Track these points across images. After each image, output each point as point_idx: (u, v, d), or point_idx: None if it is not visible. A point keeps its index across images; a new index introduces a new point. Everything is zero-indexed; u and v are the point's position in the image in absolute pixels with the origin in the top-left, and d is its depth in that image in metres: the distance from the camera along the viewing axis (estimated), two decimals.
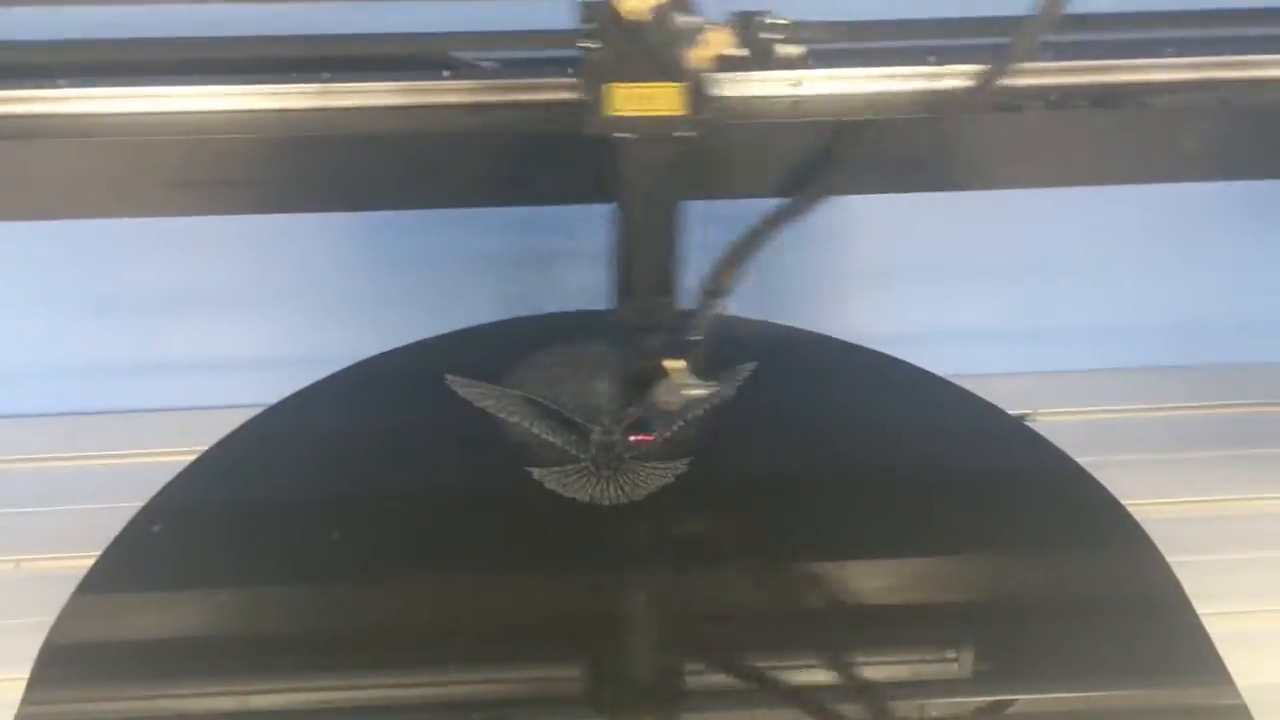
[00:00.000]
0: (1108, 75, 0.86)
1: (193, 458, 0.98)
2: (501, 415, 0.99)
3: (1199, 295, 1.38)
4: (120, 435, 1.28)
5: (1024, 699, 0.82)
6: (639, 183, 0.80)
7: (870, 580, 0.88)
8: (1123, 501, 0.93)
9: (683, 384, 0.86)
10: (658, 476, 0.93)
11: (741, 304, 1.14)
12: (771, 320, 1.14)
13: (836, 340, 1.12)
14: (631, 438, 0.94)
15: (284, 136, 0.83)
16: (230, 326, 1.34)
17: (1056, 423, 1.21)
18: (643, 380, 0.87)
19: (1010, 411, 1.06)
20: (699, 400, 0.90)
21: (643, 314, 0.86)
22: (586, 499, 0.91)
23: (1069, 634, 0.83)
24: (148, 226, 1.24)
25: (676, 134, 0.77)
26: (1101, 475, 0.96)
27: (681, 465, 0.94)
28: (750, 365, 1.03)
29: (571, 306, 1.15)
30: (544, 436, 0.96)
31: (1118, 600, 0.87)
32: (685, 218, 0.84)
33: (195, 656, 0.82)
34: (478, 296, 1.30)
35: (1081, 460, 0.98)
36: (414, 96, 0.82)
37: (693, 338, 0.85)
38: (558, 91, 0.82)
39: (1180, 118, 0.87)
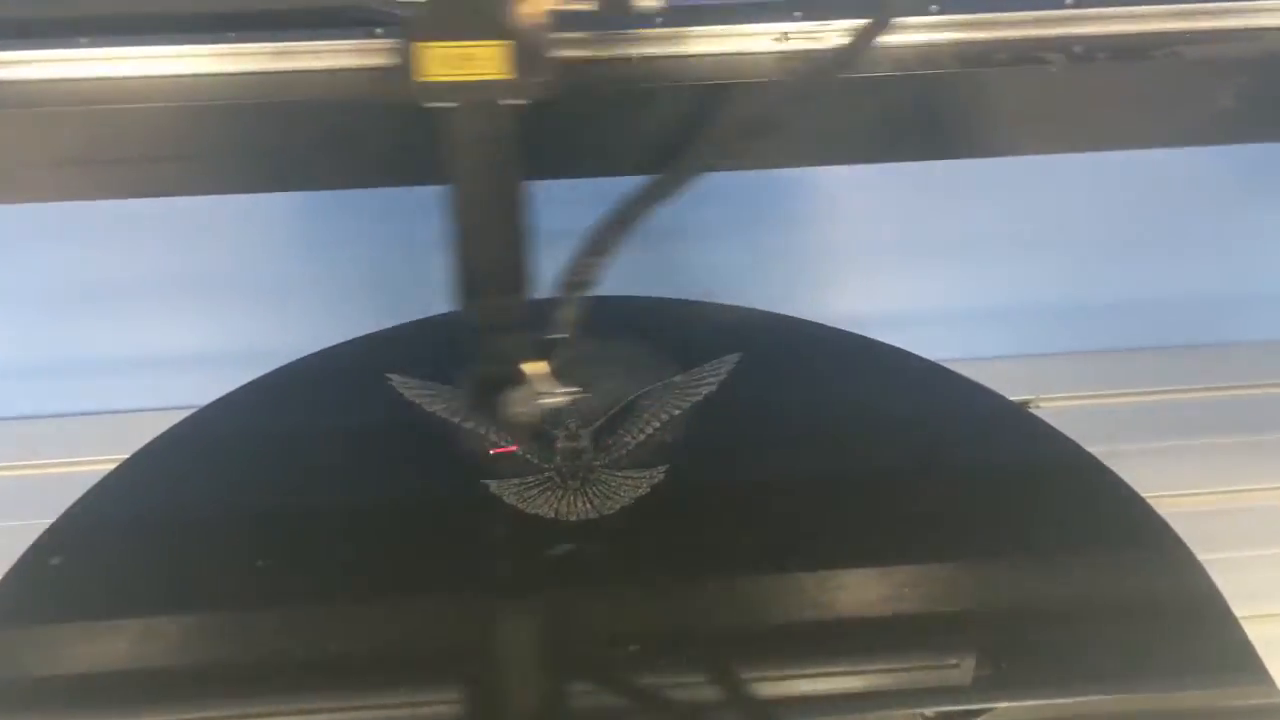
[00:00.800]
0: (1136, 24, 0.77)
1: (113, 466, 0.87)
2: (453, 419, 0.87)
3: (1207, 270, 1.29)
4: (31, 443, 1.16)
5: (1054, 704, 0.72)
6: (468, 161, 0.69)
7: (879, 591, 0.77)
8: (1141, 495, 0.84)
9: (539, 390, 0.75)
10: (631, 487, 0.82)
11: (715, 290, 1.05)
12: (750, 306, 1.04)
13: (824, 326, 1.01)
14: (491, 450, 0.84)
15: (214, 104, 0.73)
16: (157, 321, 1.22)
17: (1059, 409, 1.13)
18: (491, 387, 0.76)
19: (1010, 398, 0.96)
20: (556, 409, 0.78)
21: (489, 313, 0.75)
22: (551, 514, 0.80)
23: (1099, 638, 0.74)
24: (59, 212, 1.14)
25: (503, 101, 0.67)
26: (1114, 466, 0.86)
27: (658, 474, 0.83)
28: (732, 357, 0.93)
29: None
30: (501, 443, 0.85)
31: (1148, 601, 0.78)
32: (531, 201, 0.72)
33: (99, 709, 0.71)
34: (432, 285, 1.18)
35: (1090, 450, 0.88)
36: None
37: (555, 335, 0.74)
38: (372, 55, 0.72)
39: (1217, 71, 0.77)
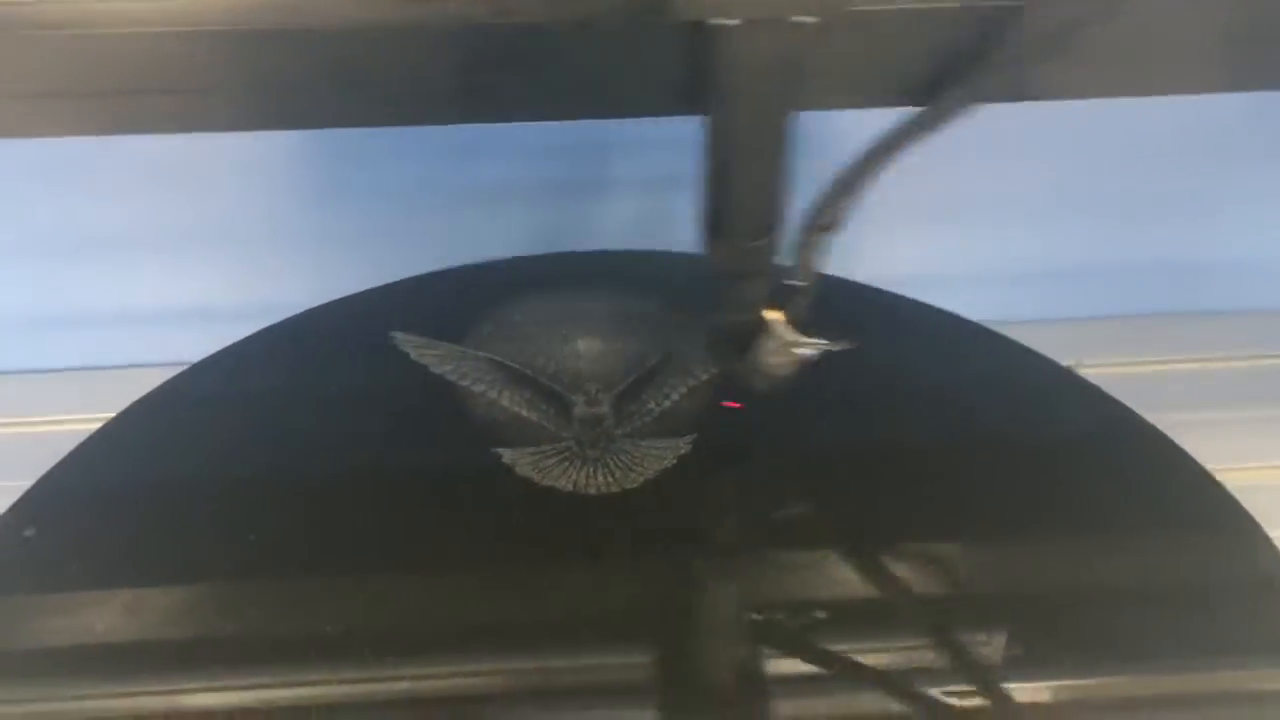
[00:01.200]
0: None
1: (97, 426, 0.81)
2: (463, 383, 0.81)
3: (1257, 231, 1.22)
4: (14, 400, 1.09)
5: (1125, 681, 0.66)
6: (741, 90, 0.60)
7: (931, 570, 0.70)
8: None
9: (790, 339, 0.68)
10: (655, 458, 0.76)
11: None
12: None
13: (862, 285, 0.94)
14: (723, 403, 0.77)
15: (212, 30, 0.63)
16: (148, 273, 1.15)
17: (1106, 376, 1.06)
18: (740, 337, 0.70)
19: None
20: (810, 359, 0.72)
21: (741, 257, 0.68)
22: (569, 487, 0.74)
23: (1173, 623, 0.68)
24: (41, 155, 1.07)
25: (795, 19, 0.58)
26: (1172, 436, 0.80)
27: (684, 444, 0.76)
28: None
29: (541, 249, 0.97)
30: (515, 409, 0.79)
31: (1223, 583, 0.71)
32: (795, 139, 0.65)
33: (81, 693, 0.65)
34: (457, 235, 1.11)
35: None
36: None
37: (795, 283, 0.67)
38: None
39: None
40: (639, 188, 1.12)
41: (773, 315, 0.69)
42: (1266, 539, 0.73)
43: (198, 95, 0.70)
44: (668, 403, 0.79)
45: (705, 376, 0.81)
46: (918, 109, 0.66)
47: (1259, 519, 0.74)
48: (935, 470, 0.77)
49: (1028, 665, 0.65)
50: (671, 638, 0.67)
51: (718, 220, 0.68)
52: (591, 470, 0.75)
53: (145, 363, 1.02)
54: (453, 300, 0.90)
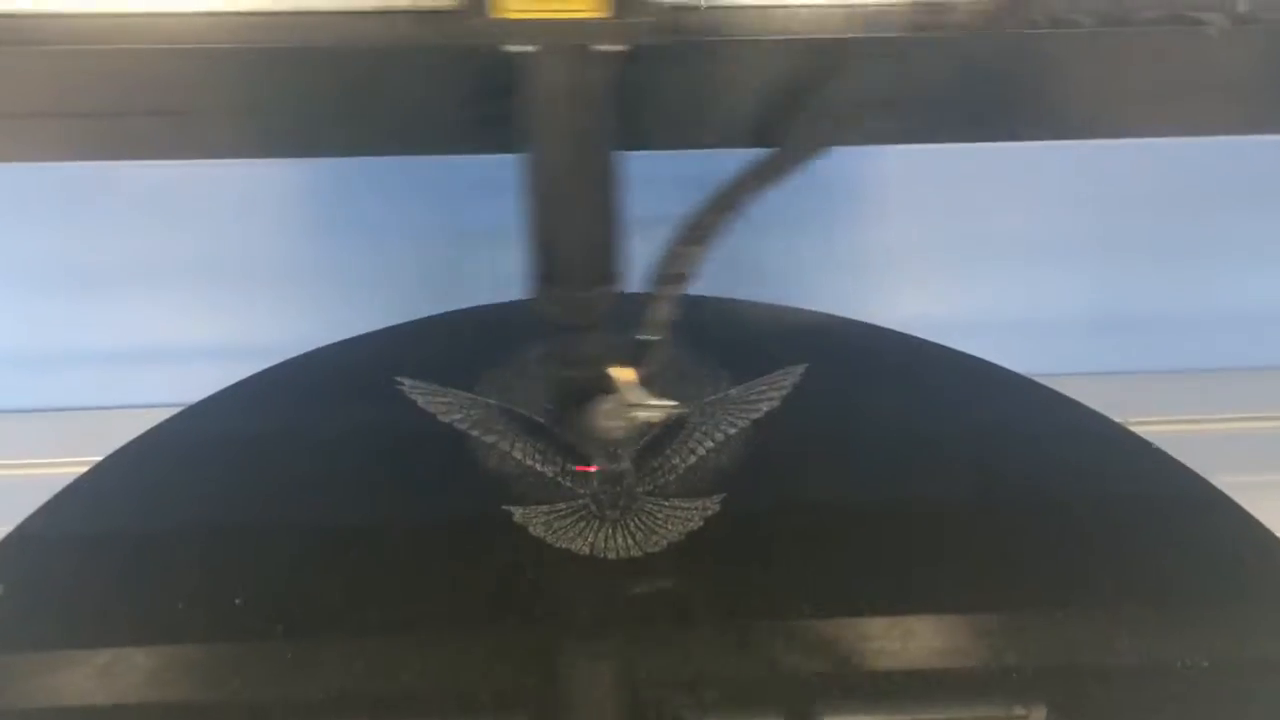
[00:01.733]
0: None
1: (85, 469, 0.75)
2: (473, 433, 0.75)
3: None
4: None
5: None
6: (550, 120, 0.57)
7: (984, 646, 0.63)
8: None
9: (630, 401, 0.63)
10: (681, 519, 0.69)
11: (759, 289, 0.92)
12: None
13: (899, 334, 0.88)
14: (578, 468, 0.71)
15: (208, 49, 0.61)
16: (139, 310, 1.10)
17: (1159, 434, 0.99)
18: (573, 396, 0.65)
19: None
20: (648, 423, 0.66)
21: (571, 307, 0.62)
22: (586, 550, 0.67)
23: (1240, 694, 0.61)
24: (27, 183, 1.02)
25: (596, 47, 0.54)
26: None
27: (712, 504, 0.70)
28: (798, 368, 0.80)
29: None
30: (528, 463, 0.73)
31: None
32: (624, 176, 0.60)
33: None
34: (467, 276, 1.06)
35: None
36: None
37: (645, 337, 0.62)
38: None
39: None
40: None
41: (621, 374, 0.63)
42: None
43: (193, 118, 0.65)
44: (693, 459, 0.73)
45: (734, 431, 0.75)
46: (758, 155, 0.62)
47: None
48: (978, 533, 0.71)
49: None
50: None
51: (543, 266, 0.63)
52: (610, 531, 0.69)
53: (134, 404, 0.97)
54: (463, 343, 0.84)
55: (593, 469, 0.70)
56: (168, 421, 0.80)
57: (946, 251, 1.13)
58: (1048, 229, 1.12)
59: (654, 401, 0.65)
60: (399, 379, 0.79)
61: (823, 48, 0.61)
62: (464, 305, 0.90)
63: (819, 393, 0.78)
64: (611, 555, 0.67)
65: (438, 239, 1.07)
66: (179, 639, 0.64)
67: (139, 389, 1.08)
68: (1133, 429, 0.88)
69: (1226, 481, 0.76)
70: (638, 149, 0.63)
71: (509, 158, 0.92)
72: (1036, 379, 0.86)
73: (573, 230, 0.62)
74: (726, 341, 0.81)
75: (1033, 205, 1.09)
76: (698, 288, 0.90)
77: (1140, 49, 0.65)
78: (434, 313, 0.89)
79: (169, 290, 1.10)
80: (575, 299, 0.64)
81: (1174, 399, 1.12)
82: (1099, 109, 0.69)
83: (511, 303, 0.89)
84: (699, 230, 0.61)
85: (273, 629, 0.64)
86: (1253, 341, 1.17)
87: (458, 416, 0.76)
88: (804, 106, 0.62)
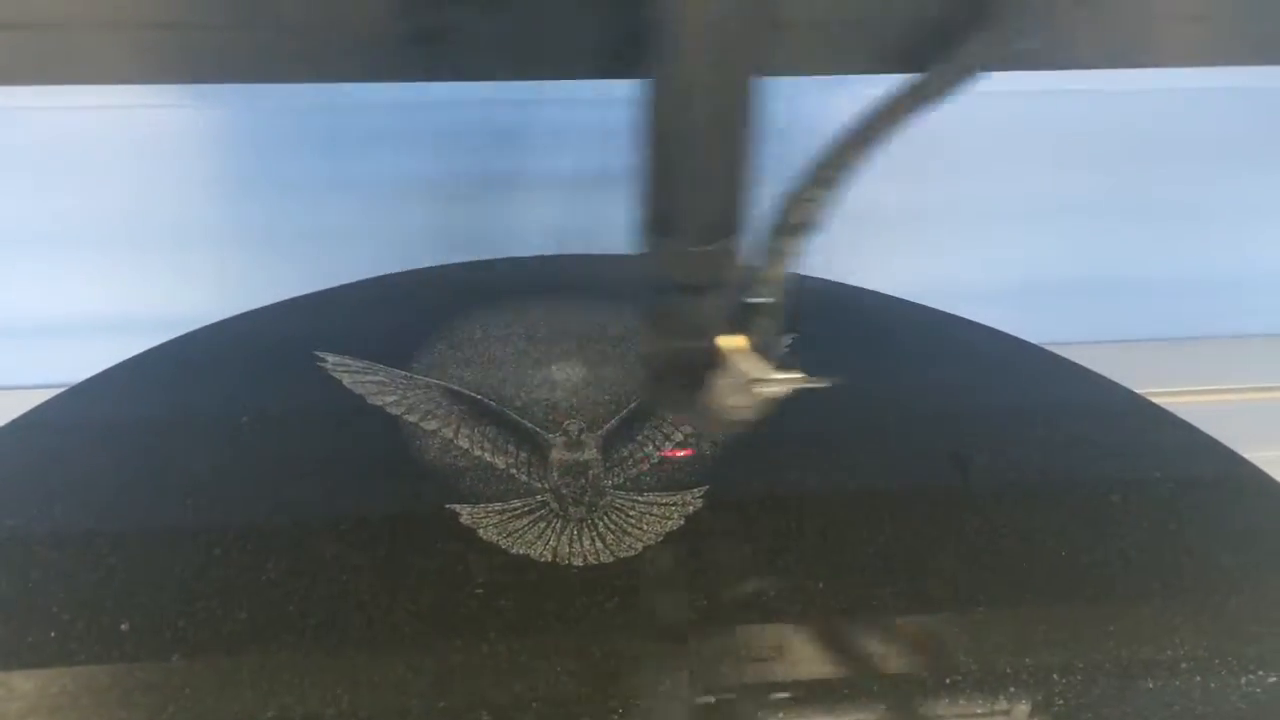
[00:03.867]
0: None
1: None
2: (409, 418, 0.64)
3: None
4: None
5: None
6: (697, 41, 0.46)
7: (1001, 655, 0.54)
8: None
9: (753, 373, 0.52)
10: (658, 518, 0.59)
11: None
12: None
13: (896, 299, 0.79)
14: (666, 453, 0.61)
15: None
16: (28, 278, 0.97)
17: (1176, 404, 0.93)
18: (689, 369, 0.53)
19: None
20: (771, 402, 0.55)
21: (691, 265, 0.52)
22: (546, 556, 0.57)
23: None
24: None
25: None
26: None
27: (693, 498, 0.60)
28: (785, 339, 0.69)
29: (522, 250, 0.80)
30: (476, 453, 0.62)
31: None
32: (765, 111, 0.50)
33: None
34: (402, 236, 0.96)
35: None
36: None
37: (759, 300, 0.52)
38: None
39: None
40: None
41: (731, 343, 0.53)
42: None
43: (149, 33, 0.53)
44: (669, 444, 0.63)
45: None
46: (903, 80, 0.52)
47: None
48: (991, 520, 0.62)
49: None
50: None
51: (662, 218, 0.52)
52: (575, 533, 0.58)
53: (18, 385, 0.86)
54: (397, 313, 0.73)
55: (690, 451, 0.62)
56: (47, 403, 0.68)
57: (922, 216, 1.05)
58: (1036, 191, 1.05)
59: (781, 375, 0.54)
60: (320, 354, 0.67)
61: None
62: (400, 269, 0.79)
63: (808, 365, 0.68)
64: (578, 562, 0.57)
65: (370, 192, 0.96)
66: (55, 661, 0.52)
67: (22, 368, 0.96)
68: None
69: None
70: (782, 75, 0.53)
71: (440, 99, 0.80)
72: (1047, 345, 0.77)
73: (703, 173, 0.51)
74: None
75: (1021, 167, 1.02)
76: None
77: None
78: (362, 278, 0.78)
79: (54, 255, 0.98)
80: (697, 254, 0.52)
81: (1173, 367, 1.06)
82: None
83: (454, 265, 0.78)
84: (829, 170, 0.51)
85: (166, 654, 0.53)
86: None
87: (391, 399, 0.65)
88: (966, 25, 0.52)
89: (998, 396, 0.72)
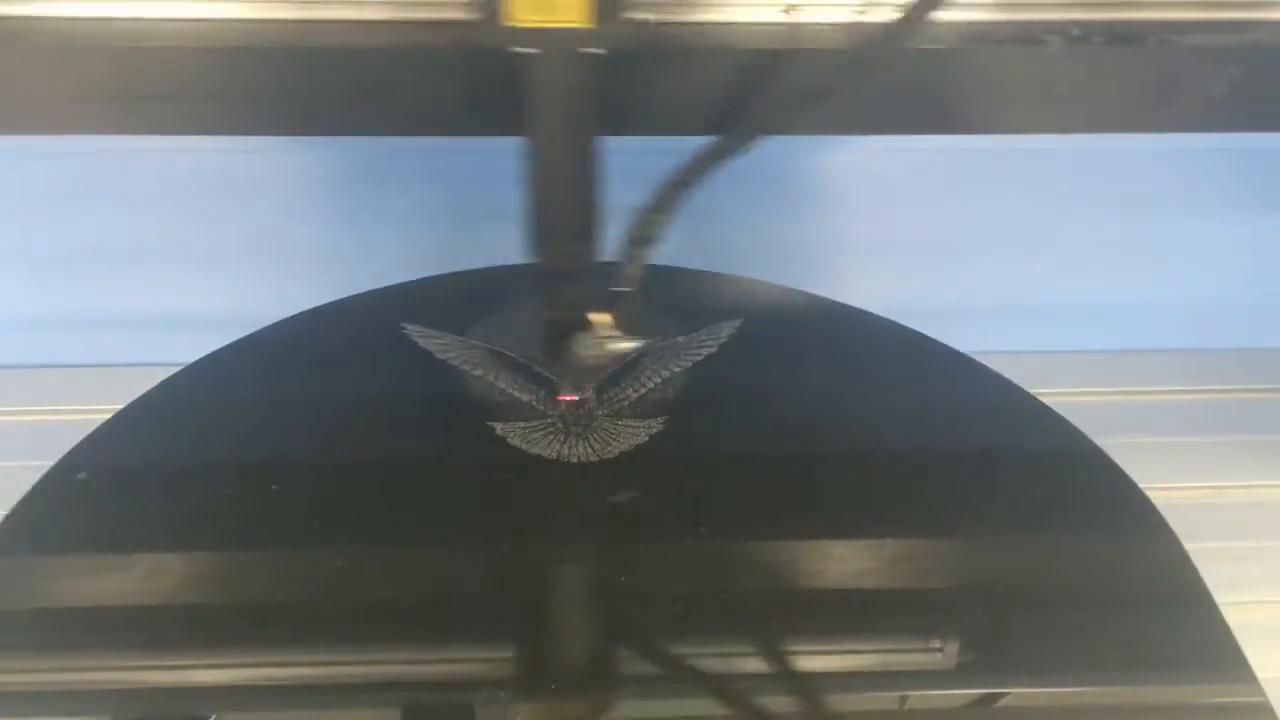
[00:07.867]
0: (1130, 11, 0.81)
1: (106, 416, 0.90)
2: (464, 368, 0.91)
3: (1211, 275, 1.32)
4: (27, 391, 1.21)
5: (1030, 692, 0.75)
6: (547, 109, 0.74)
7: (856, 562, 0.80)
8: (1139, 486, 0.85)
9: (605, 336, 0.80)
10: (631, 434, 0.86)
11: (721, 264, 1.08)
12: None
13: (832, 302, 1.04)
14: (559, 396, 0.87)
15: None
16: (162, 280, 1.27)
17: (1066, 404, 1.15)
18: (561, 332, 0.82)
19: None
20: (615, 356, 0.84)
21: (561, 261, 0.79)
22: (553, 455, 0.84)
23: (1081, 622, 0.76)
24: (73, 170, 1.19)
25: (583, 50, 0.71)
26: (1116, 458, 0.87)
27: (657, 424, 0.86)
28: (732, 323, 0.96)
29: None
30: (510, 391, 0.89)
31: (1132, 588, 0.80)
32: (604, 157, 0.77)
33: (108, 629, 0.75)
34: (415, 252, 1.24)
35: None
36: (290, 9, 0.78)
37: (619, 289, 0.79)
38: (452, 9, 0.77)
39: (1208, 59, 0.81)
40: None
41: (598, 317, 0.81)
42: (1179, 545, 0.80)
43: (222, 102, 0.82)
44: (643, 390, 0.89)
45: (677, 370, 0.91)
46: (711, 139, 0.78)
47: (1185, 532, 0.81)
48: (872, 469, 0.87)
49: (951, 667, 0.73)
50: (636, 581, 0.77)
51: (538, 227, 0.80)
52: (574, 442, 0.85)
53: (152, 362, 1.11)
54: (458, 300, 1.00)
55: (573, 397, 0.87)
56: (193, 365, 0.95)
57: (881, 243, 1.29)
58: (969, 225, 1.29)
59: (622, 339, 0.82)
60: (404, 325, 0.95)
61: (762, 57, 0.79)
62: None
63: (750, 342, 0.95)
64: (574, 459, 0.84)
65: (438, 220, 1.24)
66: (214, 542, 0.79)
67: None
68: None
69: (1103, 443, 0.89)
70: (615, 134, 0.80)
71: (502, 153, 1.09)
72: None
73: (563, 195, 0.79)
74: (676, 299, 0.98)
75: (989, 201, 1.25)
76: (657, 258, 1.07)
77: (1003, 62, 0.82)
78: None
79: (187, 263, 1.26)
80: (564, 252, 0.80)
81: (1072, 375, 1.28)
82: (974, 110, 0.86)
83: (497, 268, 1.06)
84: (662, 201, 0.78)
85: (310, 527, 0.80)
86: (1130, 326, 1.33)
87: (452, 355, 0.92)
88: (746, 102, 0.79)
89: (881, 373, 0.97)
